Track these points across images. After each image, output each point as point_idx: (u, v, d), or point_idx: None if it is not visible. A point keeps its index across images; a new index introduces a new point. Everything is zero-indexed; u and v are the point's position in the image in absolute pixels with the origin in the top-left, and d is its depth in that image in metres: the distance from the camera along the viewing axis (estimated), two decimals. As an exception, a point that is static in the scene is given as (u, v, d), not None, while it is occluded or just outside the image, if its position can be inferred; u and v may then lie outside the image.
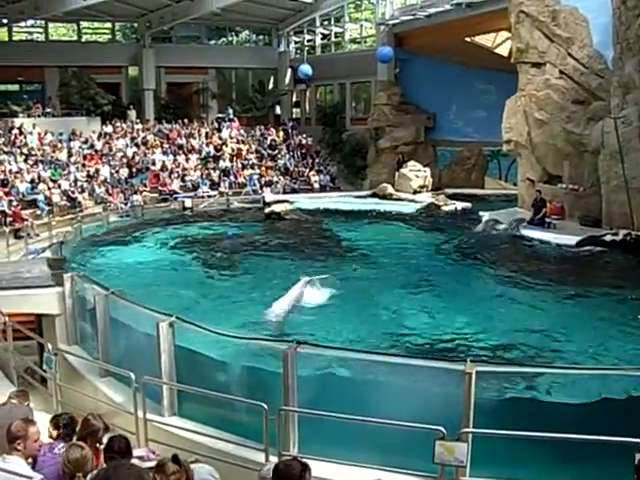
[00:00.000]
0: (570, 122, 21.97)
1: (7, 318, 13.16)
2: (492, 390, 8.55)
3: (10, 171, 30.47)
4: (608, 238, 19.40)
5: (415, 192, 30.98)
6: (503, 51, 31.37)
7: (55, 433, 6.61)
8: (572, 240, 19.81)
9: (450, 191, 30.90)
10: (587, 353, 11.24)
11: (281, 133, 41.70)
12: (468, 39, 33.46)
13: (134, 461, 5.66)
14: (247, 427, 8.70)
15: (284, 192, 34.35)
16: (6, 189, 28.43)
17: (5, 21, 40.86)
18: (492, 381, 8.54)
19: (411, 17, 35.86)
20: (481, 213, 24.79)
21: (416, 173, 31.79)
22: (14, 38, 43.37)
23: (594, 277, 17.13)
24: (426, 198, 30.03)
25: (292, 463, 5.04)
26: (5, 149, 32.74)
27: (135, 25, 45.63)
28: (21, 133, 34.57)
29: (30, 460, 5.58)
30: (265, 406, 7.77)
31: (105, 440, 6.17)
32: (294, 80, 46.67)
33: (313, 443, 8.11)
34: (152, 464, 5.56)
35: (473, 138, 34.51)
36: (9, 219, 26.19)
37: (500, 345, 11.90)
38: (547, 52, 22.72)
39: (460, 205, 28.20)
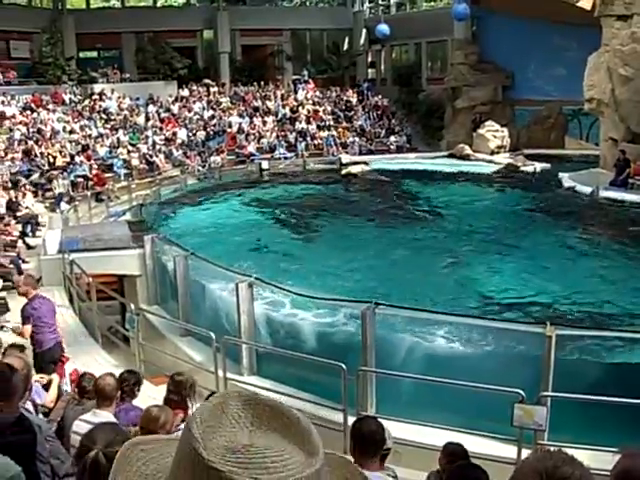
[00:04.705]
0: (658, 78, 21.12)
1: (91, 279, 13.58)
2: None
3: (90, 136, 31.13)
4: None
5: (493, 153, 30.44)
6: (586, 4, 30.24)
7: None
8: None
9: (529, 151, 30.19)
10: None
11: (355, 94, 41.35)
12: (548, -7, 32.39)
13: None
14: (326, 387, 8.76)
15: (360, 153, 34.13)
16: (87, 154, 29.03)
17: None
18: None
19: (489, -28, 34.91)
20: (561, 174, 24.18)
21: (494, 133, 31.22)
22: (91, 6, 44.01)
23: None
24: (504, 159, 29.46)
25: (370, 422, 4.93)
26: (86, 115, 33.44)
27: (209, -12, 45.74)
28: (101, 99, 35.23)
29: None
30: (344, 366, 7.79)
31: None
32: (369, 40, 46.08)
33: (391, 404, 8.13)
34: None
35: (553, 97, 33.48)
36: (91, 183, 26.75)
37: (579, 309, 11.69)
38: (634, 3, 21.63)
39: (539, 166, 27.55)
